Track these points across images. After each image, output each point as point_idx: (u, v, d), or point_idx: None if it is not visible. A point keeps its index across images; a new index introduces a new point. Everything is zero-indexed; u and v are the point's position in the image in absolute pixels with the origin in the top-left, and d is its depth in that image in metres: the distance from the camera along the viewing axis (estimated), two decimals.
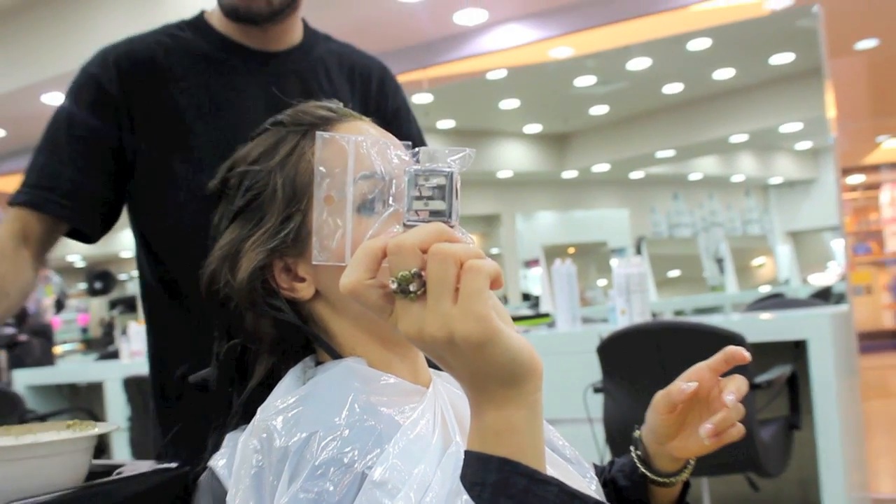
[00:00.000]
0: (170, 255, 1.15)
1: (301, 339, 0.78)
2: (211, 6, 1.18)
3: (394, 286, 0.54)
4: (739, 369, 0.78)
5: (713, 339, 2.12)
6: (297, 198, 0.75)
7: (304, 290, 0.75)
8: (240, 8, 1.12)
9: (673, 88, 4.89)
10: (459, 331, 0.52)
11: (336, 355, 0.74)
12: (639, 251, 4.84)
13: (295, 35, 1.22)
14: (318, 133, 0.71)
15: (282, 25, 1.17)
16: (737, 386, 0.77)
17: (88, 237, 1.15)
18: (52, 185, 1.10)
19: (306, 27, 1.25)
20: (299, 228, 0.74)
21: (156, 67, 1.13)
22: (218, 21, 1.18)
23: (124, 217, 1.20)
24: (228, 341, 0.79)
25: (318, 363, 0.76)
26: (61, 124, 1.13)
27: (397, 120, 1.27)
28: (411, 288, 0.54)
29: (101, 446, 0.86)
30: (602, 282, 4.68)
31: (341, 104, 0.82)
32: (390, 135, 0.80)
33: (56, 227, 1.13)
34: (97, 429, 0.75)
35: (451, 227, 0.56)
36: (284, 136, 0.78)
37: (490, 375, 0.55)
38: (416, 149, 0.61)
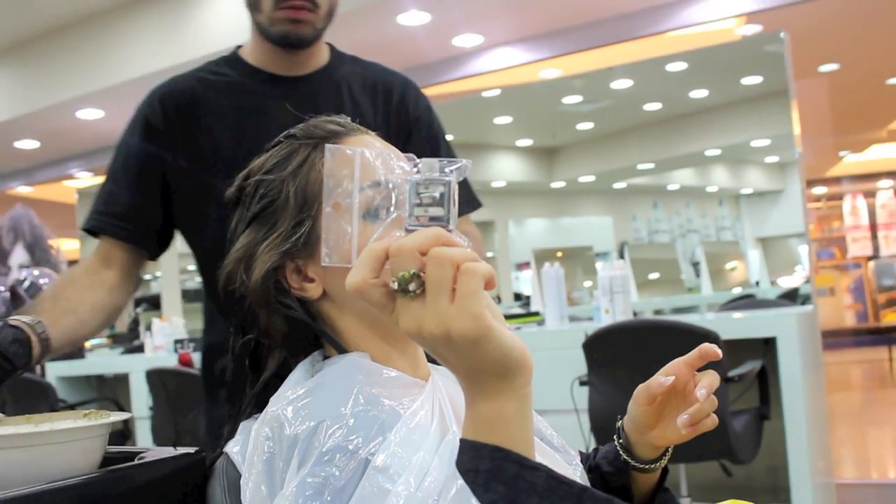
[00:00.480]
0: (206, 265, 1.19)
1: (310, 335, 0.77)
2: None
3: (395, 286, 0.54)
4: (713, 364, 0.77)
5: (689, 337, 2.12)
6: (308, 205, 0.75)
7: (313, 290, 0.75)
8: (289, 34, 1.15)
9: (652, 107, 4.89)
10: (456, 328, 0.52)
11: (342, 350, 0.73)
12: (621, 255, 4.84)
13: (320, 59, 1.24)
14: (328, 145, 0.71)
15: (308, 51, 1.20)
16: (709, 381, 0.76)
17: (151, 255, 1.21)
18: (111, 210, 1.17)
19: (333, 50, 1.27)
20: (309, 233, 0.74)
21: (194, 100, 1.18)
22: (249, 55, 1.22)
23: None
24: (243, 337, 0.79)
25: (326, 357, 0.75)
26: (119, 157, 1.20)
27: (418, 125, 1.27)
28: (411, 287, 0.53)
29: (126, 433, 0.85)
30: (587, 283, 4.67)
31: (349, 119, 0.82)
32: (393, 147, 0.80)
33: (136, 249, 1.18)
34: (111, 418, 0.75)
35: (449, 231, 0.56)
36: (296, 149, 0.78)
37: (484, 369, 0.54)
38: (417, 160, 0.60)
